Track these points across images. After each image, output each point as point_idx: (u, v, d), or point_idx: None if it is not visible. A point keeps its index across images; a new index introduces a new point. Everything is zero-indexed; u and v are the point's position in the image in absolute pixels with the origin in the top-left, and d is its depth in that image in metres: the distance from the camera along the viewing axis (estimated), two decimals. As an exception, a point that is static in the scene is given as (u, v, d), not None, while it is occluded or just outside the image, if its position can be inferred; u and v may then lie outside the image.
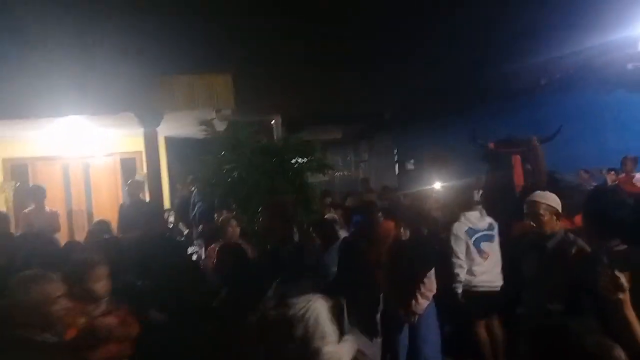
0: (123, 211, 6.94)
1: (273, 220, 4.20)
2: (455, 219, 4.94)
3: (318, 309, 1.98)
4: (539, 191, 3.41)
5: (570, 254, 3.06)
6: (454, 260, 4.63)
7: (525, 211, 3.36)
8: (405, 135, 16.59)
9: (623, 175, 7.37)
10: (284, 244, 4.18)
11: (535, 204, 3.31)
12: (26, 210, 6.85)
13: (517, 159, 6.04)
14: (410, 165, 16.87)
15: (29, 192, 6.98)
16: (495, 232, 4.82)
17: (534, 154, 6.21)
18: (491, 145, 6.47)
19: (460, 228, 4.74)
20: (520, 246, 3.60)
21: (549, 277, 3.11)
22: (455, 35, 10.91)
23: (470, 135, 7.21)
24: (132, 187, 7.16)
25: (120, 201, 8.60)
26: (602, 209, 2.69)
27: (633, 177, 7.25)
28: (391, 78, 13.47)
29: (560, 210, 3.26)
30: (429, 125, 14.79)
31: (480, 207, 4.95)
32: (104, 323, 2.72)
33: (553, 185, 5.04)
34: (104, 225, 5.61)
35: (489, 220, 4.86)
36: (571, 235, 3.21)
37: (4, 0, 7.03)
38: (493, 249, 4.76)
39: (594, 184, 7.43)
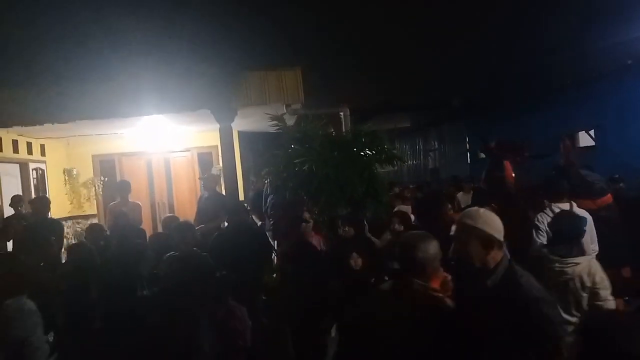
0: (201, 204, 7.33)
1: None
2: (541, 209, 4.77)
3: None
4: (472, 208, 2.55)
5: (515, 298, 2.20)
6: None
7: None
8: (478, 123, 16.06)
9: None
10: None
11: (463, 226, 2.45)
12: (112, 204, 7.41)
13: (507, 163, 6.01)
14: (482, 155, 16.34)
15: (116, 186, 7.53)
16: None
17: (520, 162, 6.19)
18: (492, 145, 6.39)
19: (544, 220, 4.53)
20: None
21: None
22: (529, 16, 10.39)
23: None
24: (208, 180, 7.54)
25: (199, 193, 9.06)
26: None
27: None
28: (462, 63, 13.07)
29: (499, 239, 2.35)
30: (503, 112, 14.23)
31: (568, 200, 4.76)
32: None
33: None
34: (98, 229, 5.88)
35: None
36: (519, 270, 2.33)
37: (92, 7, 7.55)
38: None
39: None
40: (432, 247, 2.46)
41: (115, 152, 9.85)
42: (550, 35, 10.99)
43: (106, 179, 9.78)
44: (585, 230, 3.88)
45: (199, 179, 7.51)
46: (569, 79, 11.28)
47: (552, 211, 4.54)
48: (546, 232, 4.35)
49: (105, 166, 9.94)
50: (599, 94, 10.63)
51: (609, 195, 5.55)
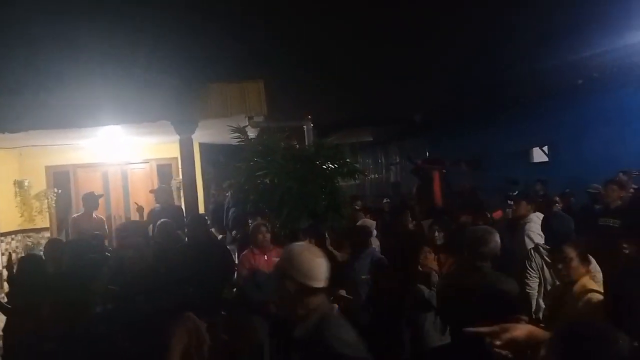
0: (155, 217, 7.09)
1: None
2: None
3: None
4: (295, 245, 2.28)
5: None
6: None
7: None
8: (437, 138, 16.43)
9: None
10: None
11: (277, 264, 2.38)
12: (75, 216, 7.16)
13: (436, 175, 7.05)
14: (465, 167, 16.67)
15: (84, 198, 7.25)
16: None
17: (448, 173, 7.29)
18: (419, 162, 7.79)
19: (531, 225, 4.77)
20: None
21: None
22: (487, 36, 10.75)
23: (405, 156, 8.88)
24: (159, 193, 7.34)
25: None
26: None
27: None
28: (422, 80, 13.36)
29: (312, 285, 2.04)
30: (461, 127, 14.61)
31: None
32: None
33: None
34: (57, 244, 5.64)
35: None
36: (334, 321, 2.06)
37: (46, 16, 7.33)
38: None
39: (634, 186, 7.20)
40: None
41: (70, 163, 9.53)
42: (507, 53, 11.39)
43: (60, 191, 9.43)
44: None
45: (150, 192, 7.33)
46: (524, 97, 11.70)
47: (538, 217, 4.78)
48: (538, 234, 4.54)
49: (60, 178, 9.59)
50: (552, 111, 11.06)
51: (499, 211, 6.45)
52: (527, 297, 4.00)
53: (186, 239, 5.70)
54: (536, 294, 4.06)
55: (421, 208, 6.67)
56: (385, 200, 10.86)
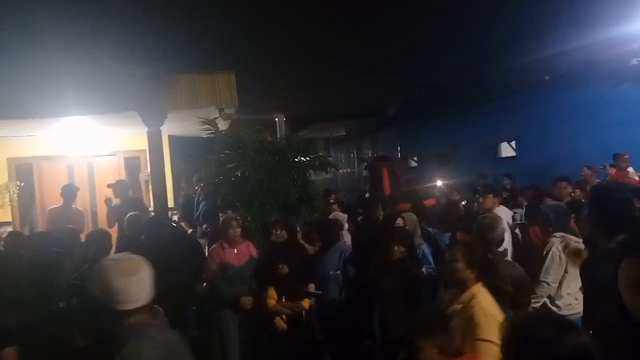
0: (115, 210, 6.85)
1: None
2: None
3: None
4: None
5: None
6: None
7: None
8: (408, 132, 16.58)
9: (615, 170, 7.36)
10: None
11: None
12: (52, 208, 6.93)
13: (385, 171, 8.03)
14: (413, 162, 16.88)
15: (63, 190, 7.00)
16: None
17: (396, 168, 8.49)
18: (370, 159, 8.65)
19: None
20: None
21: None
22: (457, 33, 10.88)
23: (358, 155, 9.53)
24: (117, 187, 7.10)
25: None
26: (607, 206, 2.51)
27: (627, 171, 7.25)
28: (394, 75, 13.45)
29: (118, 309, 1.83)
30: (432, 122, 14.77)
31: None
32: None
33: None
34: (18, 236, 5.52)
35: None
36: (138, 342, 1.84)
37: (10, 1, 7.06)
38: None
39: (597, 180, 7.40)
40: None
41: (34, 155, 9.22)
42: (477, 50, 11.57)
43: (22, 183, 9.11)
44: None
45: (108, 186, 7.11)
46: (493, 92, 11.90)
47: None
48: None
49: (22, 170, 9.26)
50: (519, 107, 11.28)
51: (431, 199, 7.37)
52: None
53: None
54: None
55: (374, 202, 7.11)
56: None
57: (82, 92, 6.50)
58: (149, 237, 4.84)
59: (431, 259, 4.52)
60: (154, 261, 2.00)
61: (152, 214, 7.16)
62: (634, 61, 8.11)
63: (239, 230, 4.84)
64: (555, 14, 9.54)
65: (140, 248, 4.65)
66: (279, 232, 4.95)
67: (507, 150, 12.34)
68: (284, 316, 4.49)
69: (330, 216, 6.20)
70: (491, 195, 5.27)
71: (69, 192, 6.91)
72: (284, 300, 4.51)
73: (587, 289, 2.59)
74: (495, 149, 12.64)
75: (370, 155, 16.51)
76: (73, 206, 6.93)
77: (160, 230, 4.98)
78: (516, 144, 11.87)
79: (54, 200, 7.10)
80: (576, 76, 9.56)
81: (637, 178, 7.12)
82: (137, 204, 6.81)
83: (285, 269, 4.47)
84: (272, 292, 4.51)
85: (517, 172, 10.17)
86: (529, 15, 9.96)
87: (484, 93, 12.15)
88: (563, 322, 1.56)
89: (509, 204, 6.70)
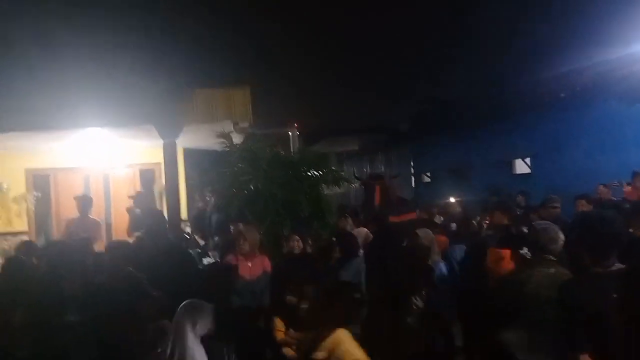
0: (135, 221, 7.00)
1: None
2: None
3: None
4: None
5: None
6: None
7: None
8: (422, 147, 16.52)
9: (630, 187, 7.25)
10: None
11: None
12: (70, 219, 7.02)
13: (377, 188, 8.63)
14: (426, 178, 16.79)
15: (77, 201, 7.10)
16: None
17: (388, 185, 9.15)
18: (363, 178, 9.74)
19: None
20: None
21: None
22: (474, 49, 10.87)
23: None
24: (139, 198, 7.23)
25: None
26: (594, 228, 2.46)
27: None
28: (408, 91, 13.46)
29: None
30: (446, 138, 14.72)
31: None
32: None
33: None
34: (31, 245, 5.54)
35: None
36: None
37: (27, 17, 7.22)
38: None
39: (613, 198, 7.29)
40: None
41: (51, 166, 9.35)
42: (493, 67, 11.54)
43: (39, 194, 9.24)
44: None
45: (129, 197, 7.26)
46: (508, 109, 11.84)
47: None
48: None
49: (39, 181, 9.39)
50: (535, 124, 11.20)
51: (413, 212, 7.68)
52: None
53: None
54: None
55: (365, 217, 7.58)
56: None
57: (99, 104, 6.60)
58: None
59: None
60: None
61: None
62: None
63: (256, 243, 4.80)
64: (572, 31, 9.51)
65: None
66: (295, 243, 4.91)
67: (521, 167, 12.23)
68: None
69: (354, 231, 6.11)
70: (498, 211, 5.18)
71: (85, 202, 6.99)
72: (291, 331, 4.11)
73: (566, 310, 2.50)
74: (510, 165, 12.54)
75: (372, 171, 17.62)
76: (90, 216, 7.00)
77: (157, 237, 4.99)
78: (531, 161, 11.76)
79: (70, 212, 7.18)
80: (592, 94, 9.49)
81: None
82: (157, 215, 6.88)
83: (294, 300, 4.16)
84: (279, 323, 4.13)
85: (532, 189, 10.07)
86: (546, 33, 9.94)
87: (499, 109, 12.09)
88: None
89: (522, 221, 6.60)
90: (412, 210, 7.70)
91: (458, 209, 8.54)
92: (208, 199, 8.28)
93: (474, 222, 6.46)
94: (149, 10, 8.56)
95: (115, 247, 4.53)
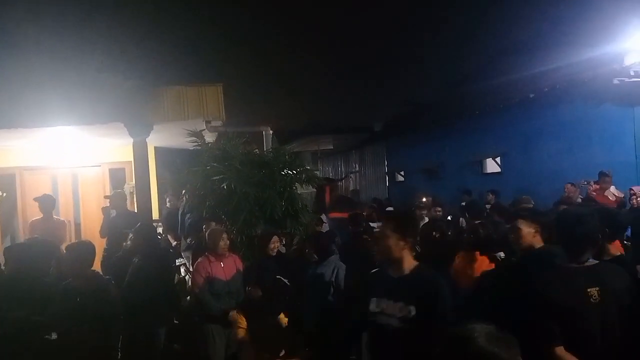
0: (110, 221, 6.91)
1: None
2: None
3: None
4: None
5: None
6: None
7: None
8: (395, 147, 16.67)
9: (596, 187, 7.46)
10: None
11: None
12: (34, 220, 6.81)
13: (327, 189, 10.73)
14: (400, 177, 16.95)
15: (40, 201, 6.90)
16: None
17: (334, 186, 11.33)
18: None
19: None
20: None
21: None
22: (443, 51, 11.03)
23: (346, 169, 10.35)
24: (114, 198, 7.10)
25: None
26: (567, 228, 2.55)
27: (605, 188, 7.34)
28: (382, 91, 13.56)
29: None
30: (419, 138, 14.88)
31: None
32: None
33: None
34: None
35: None
36: None
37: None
38: None
39: (581, 197, 7.49)
40: None
41: (16, 165, 9.09)
42: (463, 67, 11.72)
43: (4, 194, 8.96)
44: None
45: (105, 197, 7.12)
46: (478, 109, 12.04)
47: None
48: None
49: (5, 181, 9.11)
50: (505, 124, 11.40)
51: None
52: None
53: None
54: None
55: (315, 212, 7.87)
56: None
57: (67, 102, 6.44)
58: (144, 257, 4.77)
59: None
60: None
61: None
62: (616, 81, 8.26)
63: (228, 242, 4.78)
64: (540, 33, 9.72)
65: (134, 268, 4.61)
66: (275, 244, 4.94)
67: (492, 166, 12.45)
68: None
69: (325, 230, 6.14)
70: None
71: (47, 202, 6.76)
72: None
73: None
74: (481, 164, 12.76)
75: (350, 170, 19.70)
76: (55, 217, 6.82)
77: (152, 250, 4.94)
78: (501, 160, 11.98)
79: (37, 212, 6.99)
80: (559, 95, 9.72)
81: (612, 199, 7.20)
82: (132, 216, 6.77)
83: (259, 292, 4.03)
84: (241, 320, 3.89)
85: (502, 187, 10.26)
86: (514, 34, 10.14)
87: (469, 110, 12.28)
88: None
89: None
90: (353, 208, 8.13)
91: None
92: (180, 198, 8.18)
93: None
94: (118, 7, 8.41)
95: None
